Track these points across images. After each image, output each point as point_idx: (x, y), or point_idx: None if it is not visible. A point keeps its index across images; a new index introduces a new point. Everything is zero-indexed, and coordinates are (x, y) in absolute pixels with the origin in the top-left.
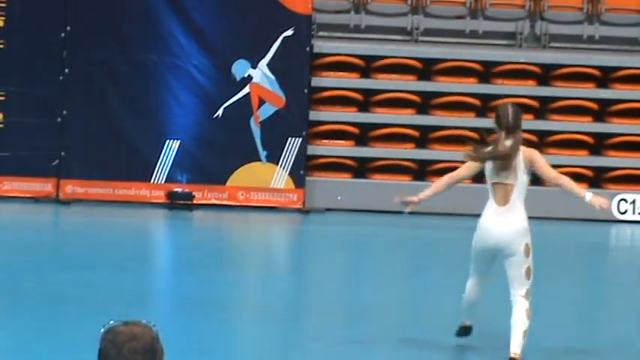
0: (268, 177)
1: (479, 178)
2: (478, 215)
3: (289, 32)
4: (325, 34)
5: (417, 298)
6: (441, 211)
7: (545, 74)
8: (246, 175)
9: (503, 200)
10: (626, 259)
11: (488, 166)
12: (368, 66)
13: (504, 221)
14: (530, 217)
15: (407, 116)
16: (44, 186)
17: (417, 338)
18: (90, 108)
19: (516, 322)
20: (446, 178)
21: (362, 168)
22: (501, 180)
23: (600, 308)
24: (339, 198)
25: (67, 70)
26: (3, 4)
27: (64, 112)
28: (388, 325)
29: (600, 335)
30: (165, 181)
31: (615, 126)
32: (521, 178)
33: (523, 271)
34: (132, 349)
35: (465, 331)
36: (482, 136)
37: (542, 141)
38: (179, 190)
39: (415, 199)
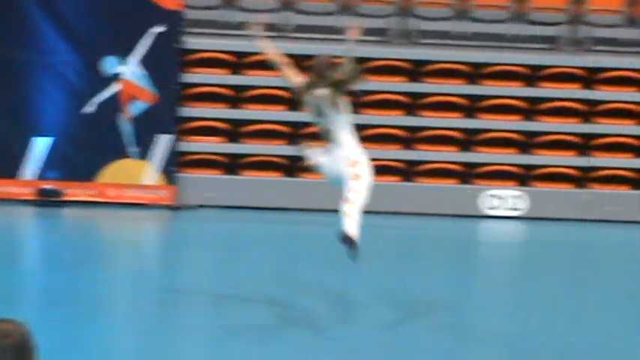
0: (139, 174)
1: None
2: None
3: (160, 29)
4: (196, 30)
5: (286, 293)
6: (313, 207)
7: (415, 71)
8: (116, 172)
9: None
10: (494, 254)
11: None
12: (239, 62)
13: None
14: (400, 213)
15: (278, 112)
16: None
17: (283, 330)
18: None
19: None
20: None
21: (233, 164)
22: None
23: (466, 302)
24: (210, 194)
25: None
26: None
27: None
28: (256, 319)
29: (469, 328)
30: (34, 178)
31: (484, 122)
32: None
33: None
34: (2, 346)
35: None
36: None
37: (411, 137)
38: (48, 187)
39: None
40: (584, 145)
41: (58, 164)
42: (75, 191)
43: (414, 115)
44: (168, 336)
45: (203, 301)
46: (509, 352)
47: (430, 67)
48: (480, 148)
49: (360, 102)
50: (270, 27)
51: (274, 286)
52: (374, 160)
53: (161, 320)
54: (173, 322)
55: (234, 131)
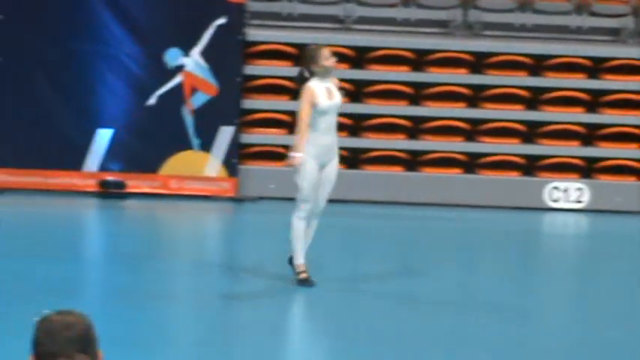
0: (201, 165)
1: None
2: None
3: (222, 20)
4: (258, 22)
5: (352, 285)
6: (375, 199)
7: (478, 62)
8: (178, 164)
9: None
10: (558, 247)
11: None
12: (301, 54)
13: None
14: (461, 205)
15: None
16: None
17: (350, 326)
18: (21, 96)
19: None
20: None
21: None
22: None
23: (531, 297)
24: (272, 186)
25: None
26: None
27: None
28: (320, 313)
29: (531, 325)
30: (98, 170)
31: (547, 114)
32: None
33: None
34: (66, 338)
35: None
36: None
37: (474, 129)
38: (111, 178)
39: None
40: None
41: (120, 156)
42: (137, 183)
43: (477, 106)
44: (225, 329)
45: (262, 295)
46: (573, 344)
47: (493, 59)
48: (543, 140)
49: (423, 95)
50: (332, 19)
51: (338, 281)
52: (437, 152)
53: (220, 313)
54: (232, 315)
55: (295, 123)
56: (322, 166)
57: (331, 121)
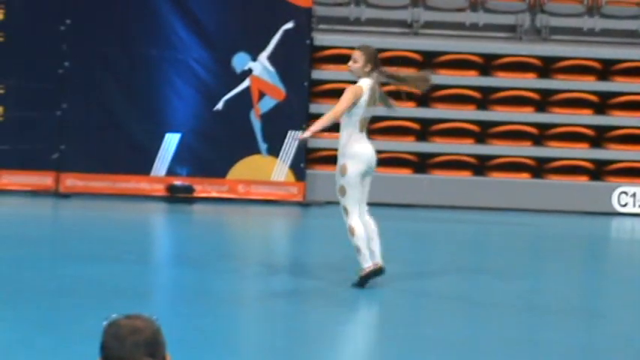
0: (269, 170)
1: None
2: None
3: (290, 25)
4: (326, 26)
5: (420, 290)
6: (442, 204)
7: (546, 67)
8: (246, 169)
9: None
10: (626, 252)
11: (364, 102)
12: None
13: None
14: (529, 210)
15: (407, 109)
16: (44, 179)
17: (408, 335)
18: (89, 101)
19: (376, 234)
20: (331, 115)
21: None
22: (370, 114)
23: (600, 302)
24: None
25: (66, 64)
26: None
27: (64, 105)
28: (388, 317)
29: (601, 329)
30: (166, 174)
31: (616, 119)
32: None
33: None
34: (134, 342)
35: (380, 271)
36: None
37: (542, 134)
38: (179, 183)
39: (307, 134)
40: None
41: (188, 161)
42: (205, 187)
43: (544, 111)
44: (294, 333)
45: (330, 298)
46: None
47: (561, 64)
48: (611, 145)
49: (491, 99)
50: (400, 23)
51: (402, 283)
52: (505, 157)
53: (288, 316)
54: (300, 319)
55: None
56: None
57: None
